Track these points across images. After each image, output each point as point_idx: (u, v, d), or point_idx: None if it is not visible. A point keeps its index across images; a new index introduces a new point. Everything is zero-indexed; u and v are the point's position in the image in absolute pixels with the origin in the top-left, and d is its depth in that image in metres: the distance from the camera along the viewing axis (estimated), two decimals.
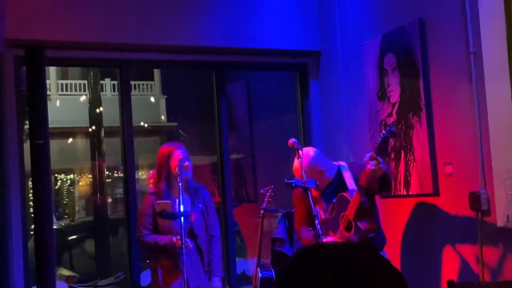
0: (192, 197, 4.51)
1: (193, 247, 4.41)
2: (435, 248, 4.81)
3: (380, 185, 3.96)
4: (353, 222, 4.09)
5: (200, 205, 4.53)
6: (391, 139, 4.04)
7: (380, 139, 3.75)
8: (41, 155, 4.53)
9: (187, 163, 4.45)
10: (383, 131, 3.80)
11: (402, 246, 5.15)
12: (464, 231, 4.53)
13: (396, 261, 5.05)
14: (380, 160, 3.75)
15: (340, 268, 1.03)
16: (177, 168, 4.38)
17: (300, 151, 4.21)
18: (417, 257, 5.00)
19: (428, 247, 4.88)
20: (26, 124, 4.91)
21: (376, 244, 4.24)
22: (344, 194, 4.16)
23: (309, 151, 4.53)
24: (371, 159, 3.74)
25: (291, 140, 4.23)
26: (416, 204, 5.03)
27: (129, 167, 5.45)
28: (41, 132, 4.55)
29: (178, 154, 4.47)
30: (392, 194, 5.18)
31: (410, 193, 5.00)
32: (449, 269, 4.68)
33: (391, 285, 1.03)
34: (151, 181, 5.14)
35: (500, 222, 4.27)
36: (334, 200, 4.29)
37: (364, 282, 1.01)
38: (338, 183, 4.38)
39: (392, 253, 4.91)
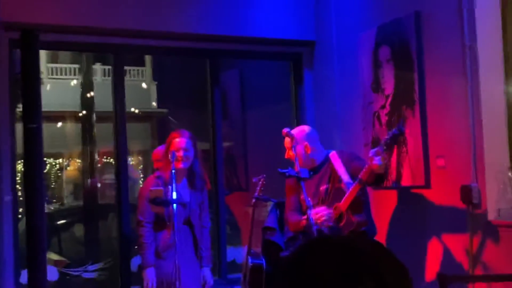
0: (194, 190, 4.54)
1: (189, 235, 4.46)
2: (426, 240, 4.84)
3: (376, 180, 3.97)
4: (345, 214, 4.10)
5: (199, 198, 4.57)
6: (400, 137, 4.06)
7: (390, 136, 3.76)
8: (34, 139, 4.50)
9: (185, 154, 4.44)
10: (393, 129, 3.81)
11: (392, 237, 5.18)
12: (454, 224, 4.56)
13: None
14: (386, 156, 3.76)
15: (345, 258, 1.04)
16: (173, 155, 4.37)
17: (293, 141, 4.22)
18: (407, 249, 5.02)
19: (418, 239, 4.91)
20: (18, 107, 4.88)
21: (367, 236, 4.27)
22: (341, 185, 4.17)
23: (305, 127, 4.61)
24: (377, 154, 3.74)
25: (285, 130, 4.24)
26: (407, 196, 5.06)
27: (121, 153, 5.44)
28: (34, 116, 4.51)
29: (177, 143, 4.46)
30: (384, 185, 5.20)
31: (402, 184, 5.03)
32: (439, 261, 4.71)
33: (395, 276, 1.04)
34: (155, 159, 5.12)
35: (491, 216, 4.31)
36: (327, 187, 4.29)
37: (369, 273, 1.02)
38: (324, 171, 4.37)
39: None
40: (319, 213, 4.10)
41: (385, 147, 3.75)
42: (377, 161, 3.74)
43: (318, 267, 1.04)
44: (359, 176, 3.98)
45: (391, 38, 5.15)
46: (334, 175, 4.29)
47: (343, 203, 4.09)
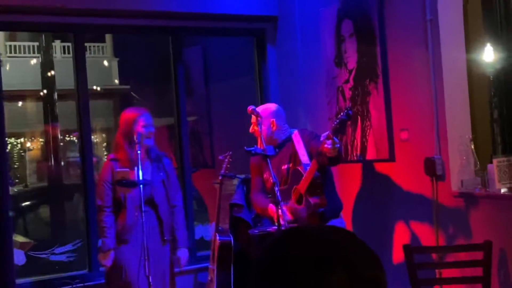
0: (153, 165, 4.41)
1: (153, 217, 4.35)
2: (391, 213, 4.92)
3: (330, 162, 3.99)
4: (304, 196, 4.13)
5: (161, 174, 4.42)
6: (348, 122, 4.06)
7: (338, 121, 3.75)
8: None
9: (152, 130, 4.37)
10: (342, 113, 3.80)
11: (357, 210, 5.25)
12: (419, 196, 4.64)
13: (349, 226, 5.14)
14: (336, 140, 3.76)
15: (319, 250, 1.05)
16: (138, 134, 4.29)
17: (259, 118, 4.22)
18: (372, 222, 5.10)
19: (383, 212, 4.99)
20: None
21: (329, 215, 4.29)
22: (299, 168, 4.19)
23: (272, 105, 4.64)
24: (328, 138, 3.75)
25: (250, 107, 4.23)
26: (372, 169, 5.12)
27: (85, 132, 5.38)
28: None
29: (143, 120, 4.36)
30: (348, 159, 5.26)
31: (366, 158, 5.08)
32: (404, 233, 4.80)
33: (367, 266, 1.06)
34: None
35: (454, 187, 4.39)
36: (288, 167, 4.32)
37: (342, 263, 1.03)
38: (285, 150, 4.39)
39: (347, 218, 5.00)
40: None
41: (334, 132, 3.76)
42: (328, 145, 3.74)
43: (291, 259, 1.06)
44: (313, 159, 4.01)
45: (353, 12, 5.17)
46: (295, 155, 4.30)
47: (301, 186, 4.11)
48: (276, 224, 3.95)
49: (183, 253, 4.50)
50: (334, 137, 3.73)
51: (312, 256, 1.04)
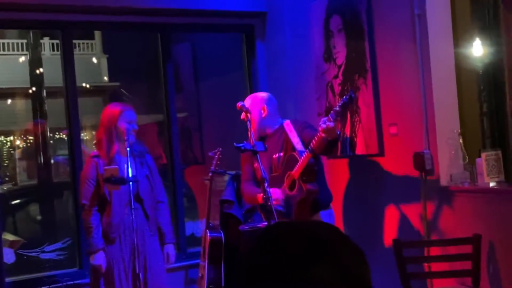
0: (136, 161, 4.35)
1: (140, 213, 4.30)
2: (380, 208, 4.93)
3: (327, 149, 3.99)
4: (297, 182, 4.14)
5: (145, 169, 4.37)
6: (351, 104, 4.07)
7: (340, 104, 3.76)
8: None
9: (136, 127, 4.31)
10: (344, 96, 3.79)
11: (347, 205, 5.26)
12: (408, 191, 4.65)
13: (339, 220, 5.16)
14: (337, 124, 3.78)
15: (303, 243, 1.06)
16: (125, 131, 4.25)
17: (248, 114, 4.21)
18: (361, 216, 5.11)
19: (373, 207, 5.00)
20: None
21: (320, 204, 4.31)
22: (294, 153, 4.19)
23: (264, 92, 4.69)
24: (328, 121, 3.74)
25: (240, 104, 4.23)
26: (362, 164, 5.13)
27: (74, 129, 5.36)
28: None
29: (128, 115, 4.31)
30: (338, 154, 5.26)
31: (356, 153, 5.09)
32: (394, 227, 4.81)
33: (352, 262, 1.06)
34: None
35: (443, 181, 4.40)
36: (280, 155, 4.32)
37: (326, 257, 1.04)
38: (277, 139, 4.39)
39: (337, 212, 5.01)
40: (274, 197, 4.09)
41: (336, 115, 3.75)
42: (329, 124, 3.72)
43: (275, 253, 1.06)
44: (311, 145, 4.00)
45: (342, 7, 5.17)
46: (288, 143, 4.30)
47: (295, 171, 4.11)
48: (265, 219, 3.95)
49: (171, 249, 4.47)
50: (333, 121, 3.72)
51: (296, 249, 1.05)
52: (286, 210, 4.16)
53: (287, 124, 4.38)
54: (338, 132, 3.86)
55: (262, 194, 4.05)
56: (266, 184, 3.86)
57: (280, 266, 1.04)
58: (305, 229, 1.10)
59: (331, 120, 3.72)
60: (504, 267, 3.99)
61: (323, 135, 3.80)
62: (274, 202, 3.91)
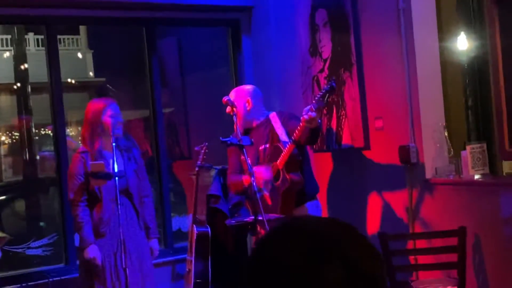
0: (124, 156, 4.34)
1: (130, 208, 4.31)
2: (366, 200, 4.95)
3: (310, 139, 4.01)
4: (281, 172, 4.16)
5: (132, 164, 4.37)
6: (332, 93, 4.07)
7: (321, 93, 3.78)
8: None
9: (120, 120, 4.31)
10: (325, 85, 3.82)
11: (333, 198, 5.28)
12: (394, 184, 4.67)
13: (325, 213, 5.17)
14: (318, 114, 3.80)
15: (314, 243, 1.02)
16: (111, 125, 4.25)
17: (234, 108, 4.21)
18: (347, 209, 5.13)
19: (358, 200, 5.01)
20: None
21: (307, 195, 4.32)
22: (278, 144, 4.21)
23: (249, 85, 4.69)
24: (310, 111, 3.77)
25: (225, 98, 4.22)
26: (348, 158, 5.14)
27: (59, 125, 5.34)
28: None
29: (111, 109, 4.29)
30: (324, 148, 5.28)
31: (342, 147, 5.10)
32: (379, 220, 4.83)
33: (366, 262, 1.02)
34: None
35: (428, 174, 4.42)
36: (266, 147, 4.32)
37: (340, 257, 1.00)
38: (263, 131, 4.39)
39: (323, 205, 5.02)
40: (260, 175, 4.12)
41: (317, 103, 3.77)
42: (311, 114, 3.74)
43: (286, 251, 1.02)
44: (294, 135, 4.02)
45: (327, 1, 5.17)
46: (273, 135, 4.31)
47: (280, 161, 4.14)
48: (252, 214, 3.95)
49: (154, 244, 4.47)
50: (315, 111, 3.74)
51: (308, 248, 1.01)
52: (271, 200, 4.17)
53: (273, 116, 4.39)
54: (319, 121, 3.88)
55: (247, 176, 4.05)
56: (252, 179, 3.86)
57: (289, 265, 0.99)
58: (317, 227, 1.06)
59: (313, 110, 3.74)
60: (489, 259, 4.02)
61: (305, 124, 3.83)
62: (261, 182, 3.94)
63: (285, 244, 1.04)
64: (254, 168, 4.05)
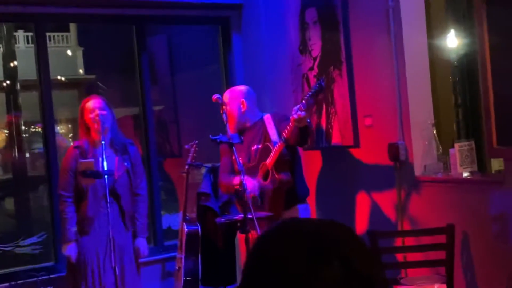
0: (118, 154, 4.34)
1: (116, 208, 4.29)
2: (355, 198, 4.96)
3: (300, 139, 4.02)
4: (270, 172, 4.17)
5: (125, 164, 4.36)
6: (321, 92, 4.09)
7: (310, 93, 3.80)
8: None
9: (102, 112, 4.27)
10: (314, 85, 3.85)
11: (322, 196, 5.29)
12: (383, 181, 4.68)
13: (313, 211, 5.18)
14: (308, 113, 3.82)
15: (313, 243, 1.02)
16: (91, 121, 4.24)
17: (224, 106, 4.21)
18: (336, 207, 5.14)
19: (348, 197, 5.03)
20: None
21: (298, 197, 4.33)
22: (268, 144, 4.22)
23: (243, 86, 4.70)
24: (299, 110, 3.79)
25: (215, 96, 4.22)
26: (337, 155, 5.15)
27: (48, 122, 5.33)
28: None
29: (90, 105, 4.30)
30: (314, 146, 5.29)
31: (331, 144, 5.11)
32: (368, 218, 4.84)
33: (365, 261, 1.04)
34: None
35: (417, 172, 4.44)
36: (258, 147, 4.33)
37: (338, 258, 1.01)
38: (256, 132, 4.40)
39: (311, 202, 5.03)
40: (249, 188, 4.11)
41: (307, 101, 3.79)
42: (300, 113, 3.77)
43: (285, 251, 1.02)
44: (283, 134, 4.04)
45: None
46: (266, 136, 4.33)
47: (269, 161, 4.16)
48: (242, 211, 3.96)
49: (141, 243, 4.44)
50: (305, 110, 3.76)
51: (308, 248, 1.01)
52: (261, 200, 4.18)
53: (267, 118, 4.41)
54: (308, 120, 3.90)
55: (237, 178, 4.06)
56: (242, 177, 3.86)
57: (288, 265, 1.00)
58: (316, 228, 1.07)
59: (302, 109, 3.76)
60: (477, 256, 4.04)
61: (294, 124, 3.84)
62: (249, 195, 3.93)
63: (284, 244, 1.04)
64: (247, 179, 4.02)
